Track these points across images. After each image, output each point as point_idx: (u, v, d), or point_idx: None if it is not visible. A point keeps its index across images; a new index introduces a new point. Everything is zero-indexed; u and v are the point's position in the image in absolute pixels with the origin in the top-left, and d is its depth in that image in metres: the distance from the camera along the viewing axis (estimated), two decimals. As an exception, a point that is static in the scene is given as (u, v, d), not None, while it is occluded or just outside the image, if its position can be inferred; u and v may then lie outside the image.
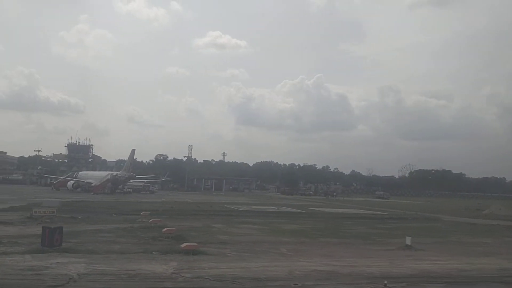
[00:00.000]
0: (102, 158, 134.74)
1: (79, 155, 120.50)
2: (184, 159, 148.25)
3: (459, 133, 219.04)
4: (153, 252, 17.65)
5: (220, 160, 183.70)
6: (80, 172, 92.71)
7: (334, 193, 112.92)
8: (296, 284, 13.21)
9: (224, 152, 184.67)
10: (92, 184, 79.53)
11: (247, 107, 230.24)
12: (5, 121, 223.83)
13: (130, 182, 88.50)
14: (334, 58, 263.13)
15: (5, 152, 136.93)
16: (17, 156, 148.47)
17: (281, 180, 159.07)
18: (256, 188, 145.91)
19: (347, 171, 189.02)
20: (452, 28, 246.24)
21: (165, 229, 22.52)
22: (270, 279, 13.93)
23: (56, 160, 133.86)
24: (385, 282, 13.51)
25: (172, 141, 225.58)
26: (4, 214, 31.71)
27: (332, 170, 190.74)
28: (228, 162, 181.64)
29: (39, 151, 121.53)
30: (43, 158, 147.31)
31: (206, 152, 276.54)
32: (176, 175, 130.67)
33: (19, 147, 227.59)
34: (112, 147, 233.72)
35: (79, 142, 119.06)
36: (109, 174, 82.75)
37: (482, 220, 46.76)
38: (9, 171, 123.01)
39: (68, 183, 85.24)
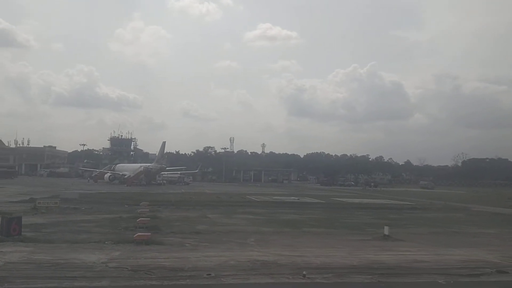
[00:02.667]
0: (144, 151, 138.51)
1: (121, 148, 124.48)
2: (235, 151, 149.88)
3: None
4: (106, 242, 17.79)
5: (270, 152, 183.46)
6: (117, 165, 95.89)
7: (372, 183, 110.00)
8: (209, 274, 12.84)
9: (263, 143, 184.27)
10: (126, 176, 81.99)
11: (299, 98, 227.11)
12: (66, 117, 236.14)
13: (165, 174, 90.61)
14: (388, 45, 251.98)
15: (55, 147, 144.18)
16: (70, 150, 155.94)
17: (325, 171, 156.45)
18: (298, 179, 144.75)
19: (401, 161, 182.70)
20: (510, 10, 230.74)
21: (139, 219, 22.64)
22: (193, 269, 13.61)
23: (109, 153, 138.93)
24: (304, 272, 12.95)
25: (224, 133, 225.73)
26: (14, 205, 33.34)
27: (386, 160, 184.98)
28: (279, 153, 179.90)
29: (84, 145, 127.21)
30: (95, 152, 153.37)
31: (257, 144, 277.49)
32: (219, 166, 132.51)
33: (75, 141, 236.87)
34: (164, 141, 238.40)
35: (121, 135, 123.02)
36: (141, 166, 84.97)
37: (514, 211, 43.78)
38: (58, 164, 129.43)
39: (105, 175, 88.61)
